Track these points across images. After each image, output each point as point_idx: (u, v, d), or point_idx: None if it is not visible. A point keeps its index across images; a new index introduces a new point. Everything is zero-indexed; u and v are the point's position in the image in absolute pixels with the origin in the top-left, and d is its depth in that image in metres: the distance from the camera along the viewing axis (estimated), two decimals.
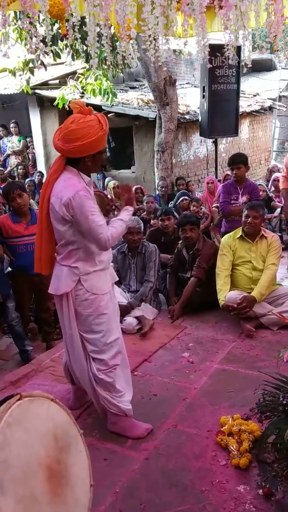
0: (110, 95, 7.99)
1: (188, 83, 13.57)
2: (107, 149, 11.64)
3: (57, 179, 2.55)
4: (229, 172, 6.12)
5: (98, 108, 9.97)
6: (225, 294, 4.28)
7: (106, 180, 10.06)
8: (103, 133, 2.48)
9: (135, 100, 10.23)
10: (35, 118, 11.23)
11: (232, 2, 2.71)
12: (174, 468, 2.49)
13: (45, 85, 10.20)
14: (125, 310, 4.32)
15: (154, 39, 3.48)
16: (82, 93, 8.54)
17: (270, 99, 13.53)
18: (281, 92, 14.24)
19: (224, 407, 2.98)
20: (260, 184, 7.51)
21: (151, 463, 2.55)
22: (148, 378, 3.46)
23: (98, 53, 4.11)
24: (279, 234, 6.63)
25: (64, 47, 6.67)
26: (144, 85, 11.63)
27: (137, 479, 2.43)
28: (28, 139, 11.14)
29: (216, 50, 5.30)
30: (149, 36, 3.27)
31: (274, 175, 8.25)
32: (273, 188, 8.12)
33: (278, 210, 7.45)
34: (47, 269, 2.72)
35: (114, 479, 2.43)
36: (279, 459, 2.21)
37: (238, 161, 5.16)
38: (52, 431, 1.73)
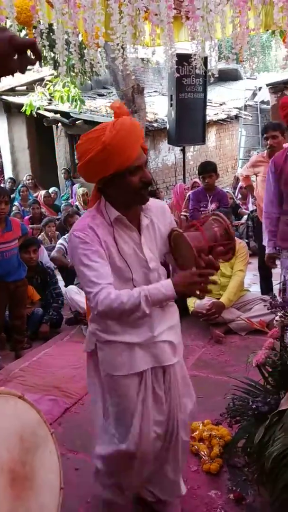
0: (78, 102, 7.99)
1: (155, 91, 13.70)
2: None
3: None
4: (197, 180, 6.20)
5: (66, 115, 9.97)
6: (194, 300, 4.32)
7: (75, 187, 10.03)
8: (103, 146, 1.68)
9: (104, 107, 10.25)
10: (2, 124, 11.11)
11: (198, 13, 2.77)
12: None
13: (12, 91, 10.11)
14: None
15: (122, 48, 3.51)
16: (50, 99, 8.50)
17: (236, 108, 13.81)
18: (246, 101, 14.56)
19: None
20: (227, 192, 7.63)
21: None
22: None
23: (66, 60, 4.11)
24: (246, 240, 6.75)
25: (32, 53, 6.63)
26: (112, 92, 11.68)
27: None
28: None
29: (183, 59, 5.39)
30: (117, 44, 3.30)
31: (241, 183, 8.41)
32: (240, 196, 8.26)
33: (245, 217, 7.58)
34: None
35: (85, 490, 2.40)
36: (249, 463, 2.23)
37: (210, 169, 5.24)
38: (18, 431, 1.63)
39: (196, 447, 2.60)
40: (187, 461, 2.51)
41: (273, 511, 2.14)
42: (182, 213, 6.43)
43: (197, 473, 2.48)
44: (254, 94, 15.35)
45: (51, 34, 4.57)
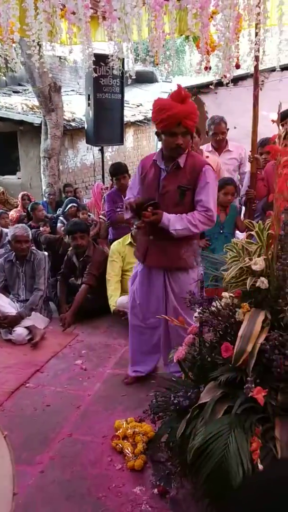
0: None
1: (73, 90, 13.57)
2: None
3: None
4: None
5: None
6: (116, 299, 4.34)
7: None
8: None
9: (19, 104, 9.97)
10: None
11: (115, 14, 2.78)
12: (71, 478, 2.46)
13: None
14: (14, 321, 4.18)
15: (39, 45, 3.44)
16: None
17: None
18: None
19: (118, 412, 3.02)
20: None
21: (47, 476, 2.49)
22: (41, 389, 3.38)
23: None
24: None
25: None
26: (28, 90, 11.39)
27: (32, 494, 2.36)
28: None
29: (100, 59, 5.37)
30: (33, 41, 3.23)
31: None
32: None
33: None
34: None
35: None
36: (172, 457, 2.28)
37: (123, 170, 5.29)
38: None
39: (120, 445, 2.62)
40: (111, 460, 2.53)
41: (195, 502, 2.21)
42: (100, 216, 6.44)
43: (122, 471, 2.49)
44: None
45: None
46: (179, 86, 2.70)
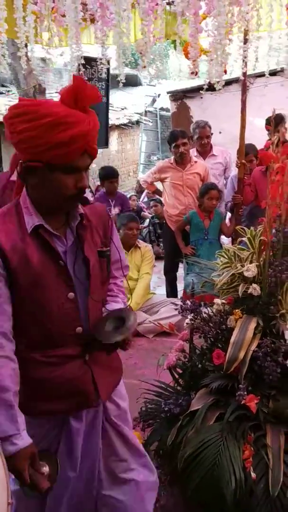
0: None
1: (56, 92, 13.48)
2: None
3: None
4: (99, 183, 6.21)
5: None
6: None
7: None
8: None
9: (3, 106, 9.87)
10: None
11: (106, 18, 2.77)
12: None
13: None
14: None
15: (26, 46, 3.41)
16: None
17: (137, 113, 14.06)
18: (146, 107, 14.88)
19: None
20: (132, 195, 7.76)
21: None
22: None
23: None
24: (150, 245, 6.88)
25: None
26: (11, 91, 11.29)
27: None
28: None
29: (86, 62, 5.35)
30: (22, 42, 3.19)
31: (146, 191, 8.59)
32: (146, 199, 8.43)
33: (147, 220, 7.73)
34: None
35: None
36: (162, 465, 2.26)
37: (115, 174, 5.27)
38: None
39: None
40: None
41: (185, 510, 2.19)
42: None
43: None
44: (154, 101, 15.73)
45: None
46: (75, 77, 1.37)
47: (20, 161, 1.43)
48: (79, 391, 1.56)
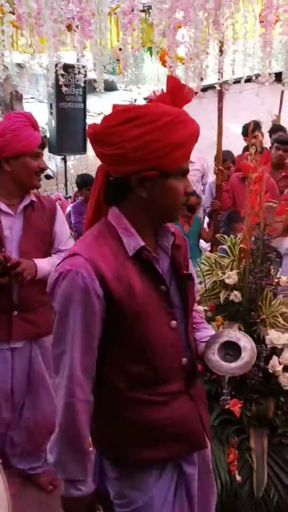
0: None
1: (33, 97, 13.41)
2: None
3: None
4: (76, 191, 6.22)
5: None
6: None
7: None
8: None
9: None
10: None
11: (84, 26, 2.80)
12: None
13: None
14: None
15: (2, 54, 3.41)
16: None
17: None
18: None
19: None
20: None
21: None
22: None
23: None
24: None
25: None
26: None
27: None
28: None
29: (64, 69, 5.37)
30: None
31: None
32: None
33: None
34: None
35: None
36: None
37: (91, 183, 5.27)
38: None
39: None
40: None
41: None
42: None
43: None
44: None
45: None
46: (170, 77, 1.30)
47: (111, 177, 1.29)
48: (190, 431, 1.38)
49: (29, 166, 2.11)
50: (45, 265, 2.16)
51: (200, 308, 2.18)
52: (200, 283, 2.21)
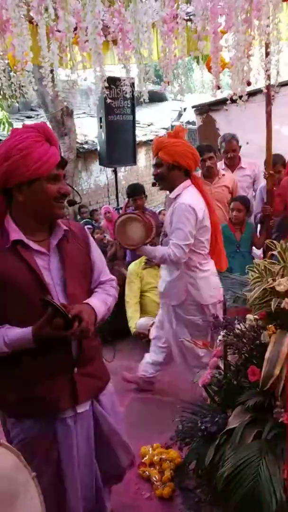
0: (6, 125, 7.86)
1: (84, 112, 13.74)
2: None
3: None
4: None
5: None
6: (136, 321, 4.32)
7: None
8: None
9: None
10: None
11: (128, 40, 2.82)
12: None
13: None
14: None
15: (51, 72, 3.50)
16: None
17: (163, 128, 14.15)
18: (172, 122, 14.96)
19: (144, 438, 2.96)
20: (162, 209, 7.82)
21: None
22: None
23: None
24: None
25: None
26: (40, 114, 11.58)
27: None
28: None
29: (111, 82, 5.44)
30: (46, 70, 3.28)
31: None
32: None
33: None
34: None
35: None
36: (200, 484, 2.23)
37: (140, 191, 5.31)
38: None
39: (147, 472, 2.57)
40: (139, 488, 2.48)
41: None
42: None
43: (150, 500, 2.45)
44: (180, 115, 15.80)
45: None
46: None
47: None
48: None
49: (47, 192, 1.71)
50: (100, 307, 1.89)
51: (250, 316, 2.11)
52: (250, 290, 2.14)
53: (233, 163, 4.94)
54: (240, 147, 4.95)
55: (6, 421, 1.89)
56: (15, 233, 1.73)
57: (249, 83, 3.56)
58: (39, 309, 1.65)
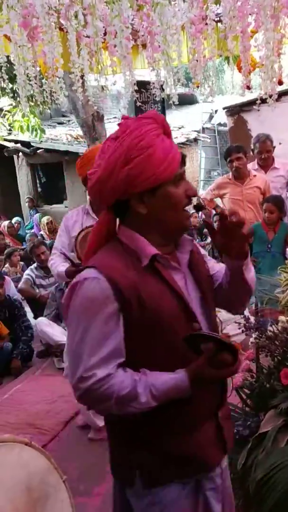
0: (39, 132, 8.02)
1: (115, 117, 13.84)
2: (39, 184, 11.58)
3: None
4: None
5: (27, 144, 9.94)
6: None
7: (35, 216, 9.96)
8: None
9: (64, 135, 10.28)
10: None
11: (156, 43, 2.83)
12: None
13: None
14: None
15: (82, 78, 3.55)
16: (10, 130, 8.48)
17: (195, 131, 14.11)
18: (204, 124, 14.90)
19: None
20: (193, 212, 7.76)
21: (107, 509, 2.45)
22: None
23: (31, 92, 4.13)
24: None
25: None
26: (71, 120, 11.75)
27: None
28: None
29: (141, 86, 5.48)
30: (76, 76, 3.33)
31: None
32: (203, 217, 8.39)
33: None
34: None
35: None
36: (234, 488, 2.20)
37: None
38: (23, 481, 1.52)
39: None
40: None
41: None
42: None
43: None
44: (211, 117, 15.73)
45: (8, 66, 4.58)
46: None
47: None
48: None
49: (175, 198, 1.33)
50: None
51: (282, 318, 2.08)
52: (282, 292, 2.11)
53: (266, 164, 4.88)
54: (274, 147, 4.89)
55: (125, 490, 1.42)
56: (150, 247, 1.32)
57: (280, 82, 3.50)
58: (182, 344, 1.28)
